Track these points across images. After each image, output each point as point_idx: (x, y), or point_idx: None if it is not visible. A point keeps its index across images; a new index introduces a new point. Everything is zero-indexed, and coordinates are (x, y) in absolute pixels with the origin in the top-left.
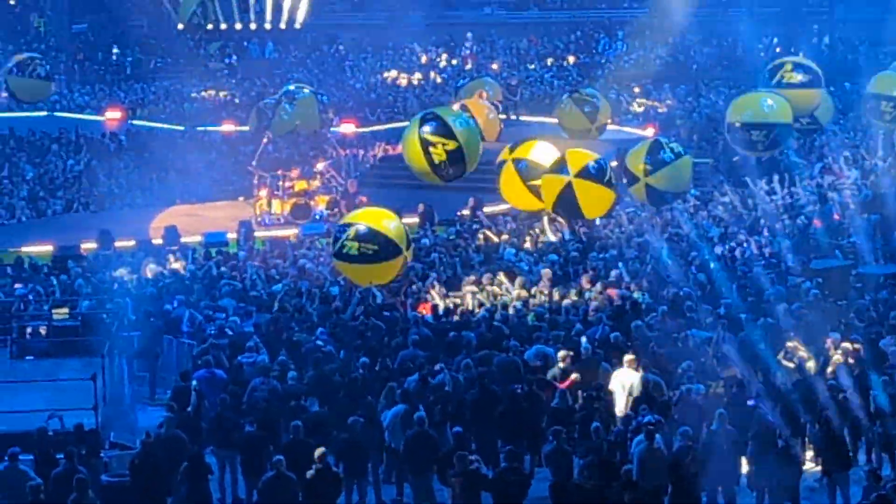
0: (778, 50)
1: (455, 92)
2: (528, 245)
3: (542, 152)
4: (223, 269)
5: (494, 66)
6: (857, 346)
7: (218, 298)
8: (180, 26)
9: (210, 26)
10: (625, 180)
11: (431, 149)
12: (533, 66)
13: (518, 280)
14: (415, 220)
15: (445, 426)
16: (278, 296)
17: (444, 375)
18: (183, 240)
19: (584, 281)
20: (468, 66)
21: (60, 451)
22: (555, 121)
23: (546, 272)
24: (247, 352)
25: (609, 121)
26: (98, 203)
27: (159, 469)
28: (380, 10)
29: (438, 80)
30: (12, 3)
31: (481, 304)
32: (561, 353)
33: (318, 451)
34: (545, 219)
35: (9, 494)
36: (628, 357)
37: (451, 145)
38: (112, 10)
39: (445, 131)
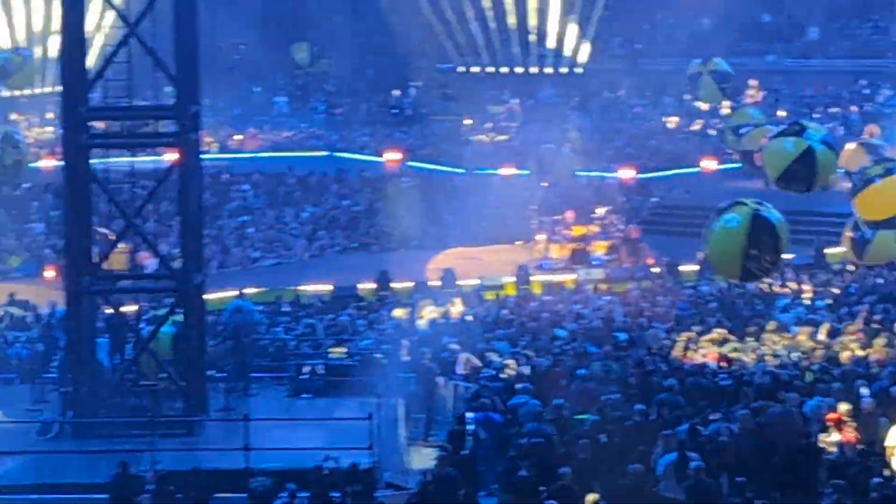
0: None
1: (738, 140)
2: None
3: None
4: (504, 311)
5: (781, 114)
6: None
7: (493, 341)
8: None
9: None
10: None
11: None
12: (818, 115)
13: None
14: (695, 267)
15: (720, 477)
16: (559, 342)
17: (719, 425)
18: (459, 282)
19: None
20: None
21: (336, 490)
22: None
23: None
24: (519, 394)
25: None
26: (377, 244)
27: None
28: (660, 58)
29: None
30: None
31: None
32: (842, 407)
33: (591, 498)
34: None
35: None
36: None
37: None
38: (395, 52)
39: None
